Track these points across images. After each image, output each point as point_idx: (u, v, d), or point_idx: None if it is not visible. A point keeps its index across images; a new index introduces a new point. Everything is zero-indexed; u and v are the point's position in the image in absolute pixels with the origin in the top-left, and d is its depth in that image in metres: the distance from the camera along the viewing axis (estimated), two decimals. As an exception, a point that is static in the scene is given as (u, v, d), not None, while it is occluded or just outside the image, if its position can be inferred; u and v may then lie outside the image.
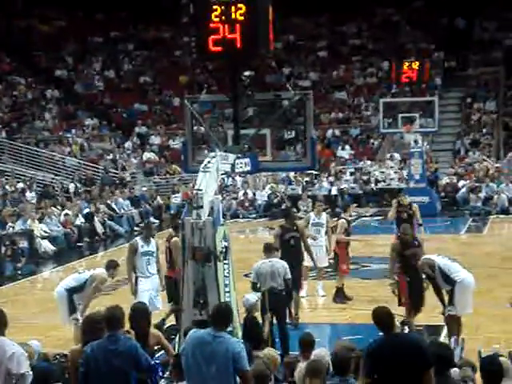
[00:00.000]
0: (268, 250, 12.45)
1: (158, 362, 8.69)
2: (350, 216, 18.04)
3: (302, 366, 8.21)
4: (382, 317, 7.53)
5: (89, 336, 7.81)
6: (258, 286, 11.95)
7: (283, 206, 29.86)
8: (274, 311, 11.83)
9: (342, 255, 16.45)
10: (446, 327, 12.62)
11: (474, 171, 32.91)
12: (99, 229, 27.11)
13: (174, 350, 9.61)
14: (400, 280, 13.02)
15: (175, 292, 12.67)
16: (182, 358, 7.72)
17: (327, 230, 16.84)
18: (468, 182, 31.76)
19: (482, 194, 30.70)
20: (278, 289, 11.93)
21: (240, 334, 10.20)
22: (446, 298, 12.31)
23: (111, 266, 12.82)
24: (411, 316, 13.00)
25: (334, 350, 8.18)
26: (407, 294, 12.92)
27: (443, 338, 12.34)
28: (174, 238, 13.60)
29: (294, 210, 25.18)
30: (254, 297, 11.00)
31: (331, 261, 17.01)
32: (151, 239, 13.98)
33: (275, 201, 31.50)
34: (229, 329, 7.94)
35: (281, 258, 13.89)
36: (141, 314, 8.80)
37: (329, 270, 18.36)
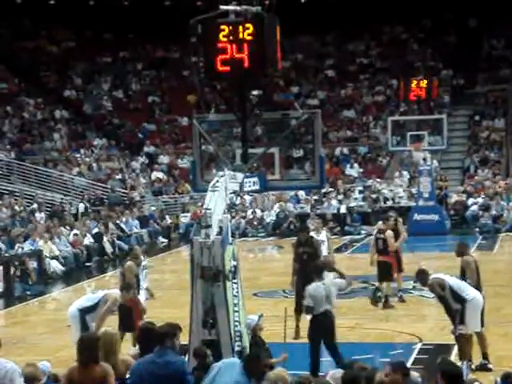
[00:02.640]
0: (319, 271, 12.17)
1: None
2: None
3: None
4: None
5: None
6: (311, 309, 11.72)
7: (290, 225, 29.90)
8: (327, 333, 11.61)
9: (394, 263, 17.06)
10: (456, 346, 12.55)
11: (484, 189, 32.85)
12: (108, 248, 27.11)
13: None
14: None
15: (129, 320, 12.85)
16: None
17: (329, 246, 16.94)
18: (477, 199, 31.70)
19: (492, 212, 30.62)
20: (331, 311, 11.75)
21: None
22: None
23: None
24: None
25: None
26: None
27: (454, 356, 12.26)
28: (128, 262, 13.67)
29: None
30: (255, 317, 10.90)
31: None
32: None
33: (283, 220, 31.48)
34: (238, 348, 7.92)
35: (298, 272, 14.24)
36: (149, 333, 8.75)
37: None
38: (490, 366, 12.28)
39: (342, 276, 12.30)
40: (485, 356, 12.45)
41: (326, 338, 11.63)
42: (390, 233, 17.56)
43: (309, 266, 14.66)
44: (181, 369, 7.86)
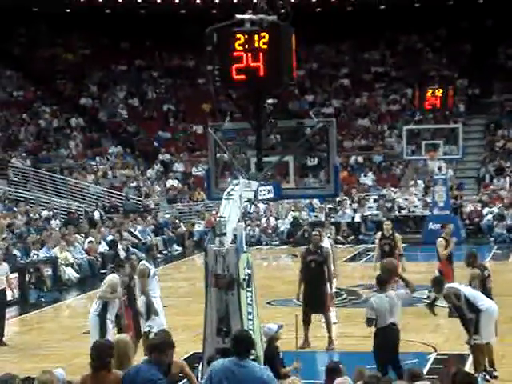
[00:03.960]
0: (381, 283, 11.79)
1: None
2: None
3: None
4: None
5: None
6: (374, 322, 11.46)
7: (305, 233, 29.84)
8: (391, 348, 11.41)
9: (447, 271, 16.79)
10: (471, 356, 12.51)
11: (499, 199, 32.73)
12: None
13: (197, 378, 9.58)
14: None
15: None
16: None
17: (333, 255, 16.77)
18: (493, 209, 31.59)
19: (507, 222, 30.50)
20: (395, 324, 11.51)
21: (263, 362, 10.13)
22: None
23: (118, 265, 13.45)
24: None
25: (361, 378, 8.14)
26: None
27: (469, 366, 12.22)
28: (111, 275, 13.79)
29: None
30: (275, 326, 10.90)
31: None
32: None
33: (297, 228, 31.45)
34: (252, 357, 7.91)
35: (303, 279, 14.24)
36: (164, 342, 8.76)
37: (343, 295, 18.39)
38: (496, 373, 12.29)
39: (407, 284, 11.89)
40: (491, 364, 12.43)
41: (390, 351, 11.37)
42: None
43: (316, 273, 14.75)
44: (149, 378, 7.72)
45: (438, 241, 17.62)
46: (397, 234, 18.35)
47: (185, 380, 9.16)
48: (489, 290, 13.15)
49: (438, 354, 13.48)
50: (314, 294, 14.76)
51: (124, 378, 7.72)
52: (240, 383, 7.41)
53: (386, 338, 11.35)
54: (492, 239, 30.01)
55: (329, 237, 19.07)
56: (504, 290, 17.91)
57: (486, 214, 31.50)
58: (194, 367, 10.62)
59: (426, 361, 13.46)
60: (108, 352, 8.05)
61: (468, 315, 12.12)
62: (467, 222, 31.63)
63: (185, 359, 11.58)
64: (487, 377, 12.00)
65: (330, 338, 14.71)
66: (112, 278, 13.35)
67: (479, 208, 32.21)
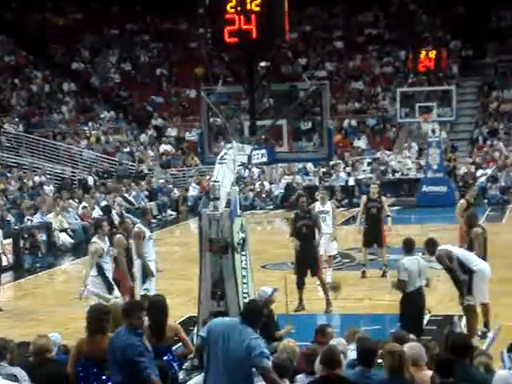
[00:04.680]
0: (409, 245, 11.77)
1: (171, 358, 8.73)
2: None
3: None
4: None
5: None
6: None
7: (298, 197, 29.87)
8: (418, 311, 11.37)
9: (463, 236, 16.18)
10: (464, 317, 12.59)
11: (493, 160, 32.76)
12: (117, 221, 27.13)
13: (192, 341, 9.62)
14: None
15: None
16: (205, 344, 7.72)
17: (334, 217, 16.90)
18: (486, 171, 31.64)
19: (501, 183, 30.55)
20: (423, 288, 11.51)
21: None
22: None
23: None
24: None
25: (357, 340, 8.21)
26: None
27: (462, 327, 12.28)
28: (117, 235, 13.69)
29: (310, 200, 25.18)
30: (269, 290, 10.94)
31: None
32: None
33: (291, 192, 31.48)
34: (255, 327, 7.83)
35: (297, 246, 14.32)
36: (158, 306, 8.80)
37: (337, 258, 18.51)
38: (490, 334, 12.37)
39: None
40: (486, 324, 12.51)
41: (418, 315, 11.33)
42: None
43: (308, 238, 14.79)
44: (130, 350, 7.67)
45: (459, 202, 17.23)
46: (383, 197, 18.37)
47: (180, 344, 9.20)
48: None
49: (431, 316, 13.53)
50: (307, 258, 14.82)
51: (108, 345, 7.76)
52: (227, 348, 7.42)
53: (416, 302, 11.29)
54: (486, 201, 30.05)
55: (337, 199, 19.03)
56: (497, 252, 17.96)
57: (480, 176, 31.53)
58: (189, 330, 10.68)
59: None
60: (104, 316, 8.09)
61: (461, 276, 12.17)
62: (461, 184, 31.66)
63: (180, 323, 11.63)
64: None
65: (327, 299, 14.75)
66: (91, 245, 13.23)
67: (473, 170, 32.24)
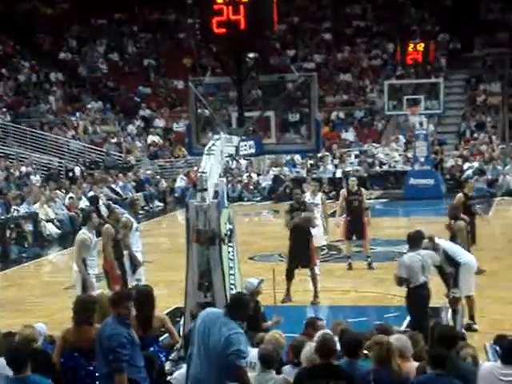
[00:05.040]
0: (413, 240, 11.56)
1: (158, 348, 8.74)
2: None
3: (311, 345, 8.17)
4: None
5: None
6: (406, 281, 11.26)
7: (286, 189, 29.92)
8: (422, 305, 11.22)
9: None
10: (450, 309, 12.63)
11: (480, 153, 32.85)
12: (104, 212, 27.09)
13: (179, 332, 9.62)
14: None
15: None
16: (191, 333, 7.75)
17: (324, 210, 17.03)
18: (473, 164, 31.72)
19: (488, 176, 30.64)
20: (427, 283, 11.36)
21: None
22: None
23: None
24: None
25: (340, 331, 8.22)
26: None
27: (448, 319, 12.33)
28: (106, 225, 13.62)
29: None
30: (255, 281, 10.94)
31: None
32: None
33: (279, 184, 31.49)
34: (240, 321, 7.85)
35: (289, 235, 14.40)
36: (145, 296, 8.80)
37: (324, 250, 18.57)
38: (476, 326, 12.43)
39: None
40: (471, 318, 12.57)
41: (423, 309, 11.23)
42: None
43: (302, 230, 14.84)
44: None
45: (457, 196, 17.05)
46: (363, 189, 18.44)
47: (166, 335, 9.20)
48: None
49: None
50: (301, 249, 14.83)
51: (96, 335, 7.76)
52: (208, 334, 7.47)
53: (420, 297, 11.21)
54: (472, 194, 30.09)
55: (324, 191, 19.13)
56: (484, 245, 18.06)
57: (467, 169, 31.61)
58: (176, 321, 10.68)
59: (406, 314, 13.56)
60: (91, 306, 8.09)
61: (447, 269, 12.21)
62: (448, 176, 31.75)
63: (167, 314, 11.62)
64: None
65: (315, 292, 14.80)
66: (79, 235, 13.19)
67: (460, 163, 32.33)
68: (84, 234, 13.11)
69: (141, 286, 9.85)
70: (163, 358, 8.85)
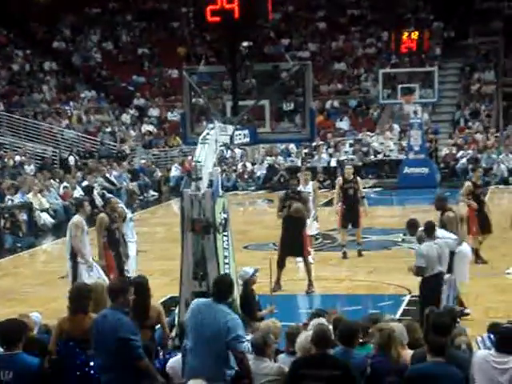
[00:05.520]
0: (430, 229, 11.59)
1: (154, 338, 8.76)
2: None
3: (306, 334, 8.18)
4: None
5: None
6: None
7: (281, 178, 29.93)
8: (435, 295, 11.16)
9: (472, 217, 16.26)
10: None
11: (474, 142, 32.87)
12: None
13: (174, 321, 9.64)
14: None
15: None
16: (186, 326, 7.81)
17: (316, 198, 17.16)
18: (468, 152, 31.75)
19: (482, 165, 30.66)
20: (443, 273, 11.37)
21: (239, 305, 10.20)
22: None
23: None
24: None
25: (340, 321, 8.25)
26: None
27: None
28: (101, 214, 13.66)
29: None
30: (250, 270, 10.95)
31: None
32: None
33: (274, 173, 31.49)
34: (228, 300, 7.97)
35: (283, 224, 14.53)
36: (141, 287, 8.80)
37: (318, 238, 18.60)
38: (467, 310, 12.44)
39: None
40: (460, 303, 12.56)
41: (436, 300, 11.16)
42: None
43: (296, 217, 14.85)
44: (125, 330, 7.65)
45: (465, 184, 16.93)
46: (358, 178, 18.45)
47: (159, 326, 9.21)
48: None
49: (412, 296, 13.62)
50: (294, 238, 14.84)
51: (93, 325, 7.74)
52: (203, 325, 7.53)
53: (434, 286, 11.22)
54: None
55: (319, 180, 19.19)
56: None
57: (461, 158, 31.64)
58: (171, 310, 10.70)
59: (401, 302, 13.62)
60: (86, 295, 8.08)
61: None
62: (442, 165, 31.78)
63: (162, 303, 11.64)
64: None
65: (309, 281, 14.81)
66: (71, 221, 13.25)
67: (454, 151, 32.35)
68: (77, 218, 13.21)
69: (136, 277, 9.85)
70: (158, 347, 8.87)
